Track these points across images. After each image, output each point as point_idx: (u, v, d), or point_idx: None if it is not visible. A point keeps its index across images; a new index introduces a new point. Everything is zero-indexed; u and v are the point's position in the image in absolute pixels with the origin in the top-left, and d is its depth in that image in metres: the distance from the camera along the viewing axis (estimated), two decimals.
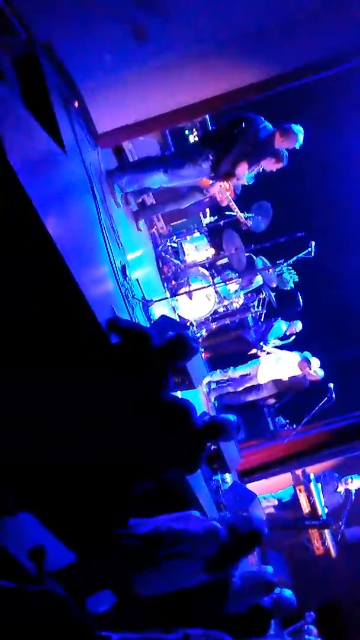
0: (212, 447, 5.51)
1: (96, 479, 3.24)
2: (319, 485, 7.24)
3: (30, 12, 4.28)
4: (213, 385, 8.66)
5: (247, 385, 8.60)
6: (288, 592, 4.62)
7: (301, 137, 6.28)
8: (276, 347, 8.80)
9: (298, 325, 9.12)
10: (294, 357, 8.30)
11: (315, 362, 8.19)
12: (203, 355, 8.27)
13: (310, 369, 8.12)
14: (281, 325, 9.11)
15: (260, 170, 6.64)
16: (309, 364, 8.11)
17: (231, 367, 8.63)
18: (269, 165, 6.53)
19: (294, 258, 7.32)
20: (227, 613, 3.71)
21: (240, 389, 8.62)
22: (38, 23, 4.39)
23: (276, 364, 8.37)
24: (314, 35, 5.18)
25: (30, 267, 3.26)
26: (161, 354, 3.65)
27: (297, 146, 6.33)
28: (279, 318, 9.12)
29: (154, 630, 2.94)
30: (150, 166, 6.35)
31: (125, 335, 3.71)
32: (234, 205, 6.85)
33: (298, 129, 6.28)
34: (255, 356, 8.77)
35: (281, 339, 9.07)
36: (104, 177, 6.03)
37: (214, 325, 8.45)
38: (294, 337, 9.14)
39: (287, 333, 9.14)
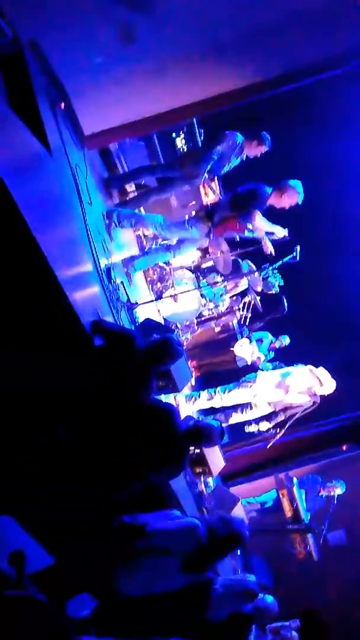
0: (195, 451, 5.49)
1: (78, 484, 3.22)
2: (302, 489, 7.23)
3: (17, 12, 4.25)
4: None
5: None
6: (270, 599, 4.61)
7: (301, 191, 6.39)
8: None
9: (286, 340, 8.43)
10: (302, 372, 6.85)
11: (326, 379, 6.71)
12: (193, 373, 7.65)
13: (322, 385, 6.70)
14: (268, 336, 8.46)
15: (244, 158, 6.67)
16: (319, 379, 6.72)
17: (220, 388, 7.09)
18: (252, 150, 6.52)
19: (279, 262, 7.32)
20: (208, 620, 3.69)
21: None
22: (25, 23, 4.36)
23: (277, 384, 6.92)
24: (305, 40, 5.18)
25: (13, 269, 3.23)
26: (145, 357, 3.64)
27: (300, 201, 6.45)
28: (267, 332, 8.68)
29: (135, 638, 2.93)
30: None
31: (109, 338, 3.69)
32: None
33: (295, 183, 6.40)
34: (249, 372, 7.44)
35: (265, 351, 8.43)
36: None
37: (198, 329, 8.41)
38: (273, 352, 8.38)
39: (276, 347, 8.36)
